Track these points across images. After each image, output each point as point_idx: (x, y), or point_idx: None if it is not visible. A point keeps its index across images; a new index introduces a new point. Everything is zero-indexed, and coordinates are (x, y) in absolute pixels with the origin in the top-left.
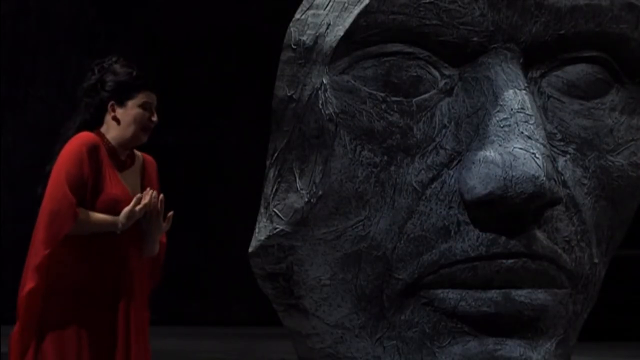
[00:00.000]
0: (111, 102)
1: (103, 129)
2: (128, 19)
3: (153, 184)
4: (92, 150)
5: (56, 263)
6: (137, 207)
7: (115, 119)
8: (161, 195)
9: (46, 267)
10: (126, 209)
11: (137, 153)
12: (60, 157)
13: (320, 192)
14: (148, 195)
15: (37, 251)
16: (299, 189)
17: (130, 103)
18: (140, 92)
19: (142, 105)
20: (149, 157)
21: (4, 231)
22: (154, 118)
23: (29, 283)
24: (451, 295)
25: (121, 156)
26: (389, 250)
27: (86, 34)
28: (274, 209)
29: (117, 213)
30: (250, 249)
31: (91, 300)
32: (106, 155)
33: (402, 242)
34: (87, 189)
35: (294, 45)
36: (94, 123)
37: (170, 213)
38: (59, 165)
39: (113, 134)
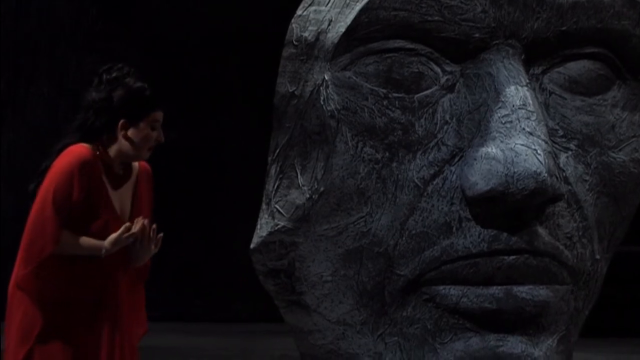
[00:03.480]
0: (123, 121)
1: (107, 142)
2: (129, 17)
3: (144, 197)
4: (86, 168)
5: (37, 278)
6: (124, 235)
7: (127, 137)
8: (154, 225)
9: (28, 282)
10: (113, 236)
11: (134, 163)
12: (52, 173)
13: (321, 189)
14: (138, 225)
15: (19, 268)
16: (300, 185)
17: (142, 124)
18: (152, 113)
19: (152, 125)
20: (144, 166)
21: (5, 230)
22: (161, 138)
23: (12, 299)
24: (453, 291)
25: (118, 170)
26: (391, 247)
27: (87, 32)
28: (276, 206)
29: (107, 235)
30: (251, 245)
31: (74, 315)
32: (102, 171)
33: (403, 238)
34: (75, 209)
35: (296, 41)
36: (100, 134)
37: (160, 235)
38: (49, 181)
39: (122, 151)
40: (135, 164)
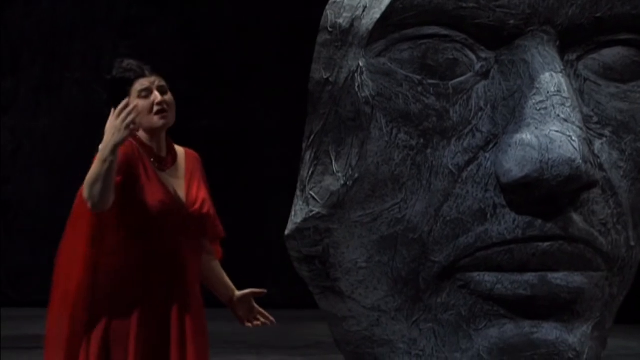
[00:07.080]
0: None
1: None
2: (163, 2)
3: (196, 180)
4: (124, 159)
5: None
6: (116, 119)
7: None
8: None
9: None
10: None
11: (180, 149)
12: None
13: (356, 175)
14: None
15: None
16: (335, 171)
17: (129, 100)
18: (132, 85)
19: (140, 95)
20: (190, 152)
21: (41, 213)
22: (160, 98)
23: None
24: (487, 278)
25: (161, 153)
26: (425, 233)
27: (122, 16)
28: (310, 192)
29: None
30: (286, 232)
31: (138, 294)
32: (143, 157)
33: (438, 224)
34: (121, 192)
35: (330, 27)
36: None
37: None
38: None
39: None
40: (182, 152)
